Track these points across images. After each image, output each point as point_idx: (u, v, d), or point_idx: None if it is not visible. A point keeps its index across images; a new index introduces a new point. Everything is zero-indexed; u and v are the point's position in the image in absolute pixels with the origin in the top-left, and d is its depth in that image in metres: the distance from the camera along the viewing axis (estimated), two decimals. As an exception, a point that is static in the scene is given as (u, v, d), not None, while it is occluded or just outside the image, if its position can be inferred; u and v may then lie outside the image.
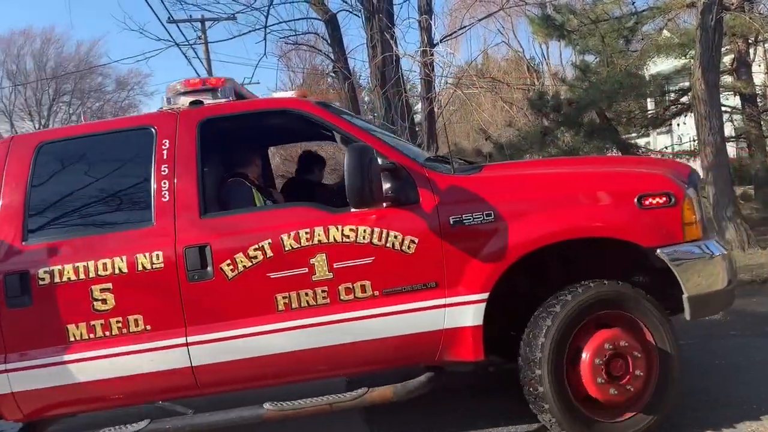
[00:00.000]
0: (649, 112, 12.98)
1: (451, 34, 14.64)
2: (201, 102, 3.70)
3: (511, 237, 3.25)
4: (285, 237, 3.29)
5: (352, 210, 3.27)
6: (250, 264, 3.29)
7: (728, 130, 11.62)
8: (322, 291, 3.28)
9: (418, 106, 15.41)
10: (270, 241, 3.29)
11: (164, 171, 3.44)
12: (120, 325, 3.31)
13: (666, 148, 12.74)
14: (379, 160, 3.31)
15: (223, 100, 3.71)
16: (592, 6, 12.01)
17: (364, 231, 3.28)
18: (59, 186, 3.57)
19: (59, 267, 3.33)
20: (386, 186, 3.28)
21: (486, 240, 3.26)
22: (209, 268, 3.29)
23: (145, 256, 3.32)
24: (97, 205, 3.58)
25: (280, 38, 13.53)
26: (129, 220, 3.48)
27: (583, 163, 4.13)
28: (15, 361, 3.32)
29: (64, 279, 3.32)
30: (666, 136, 15.81)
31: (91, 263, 3.32)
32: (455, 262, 3.27)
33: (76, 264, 3.32)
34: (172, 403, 3.50)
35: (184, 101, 3.72)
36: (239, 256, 3.29)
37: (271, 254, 3.29)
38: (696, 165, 11.15)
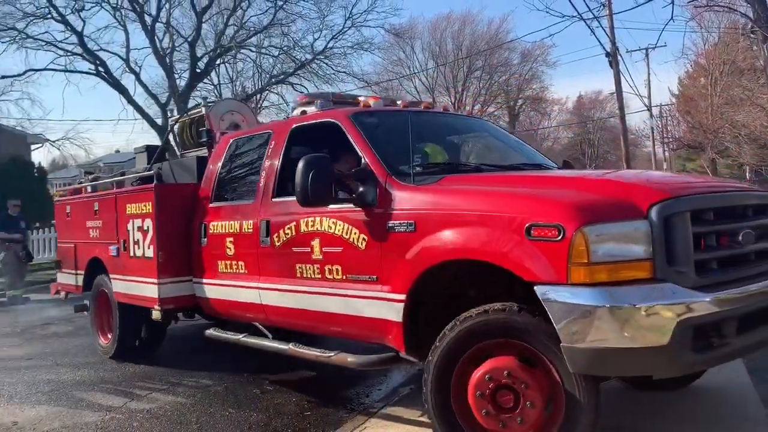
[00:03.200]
0: None
1: None
2: (306, 112, 4.90)
3: (423, 248, 3.46)
4: (302, 221, 4.30)
5: (332, 206, 4.00)
6: (285, 238, 4.45)
7: None
8: (317, 268, 4.19)
9: None
10: (294, 224, 4.36)
11: (266, 164, 4.85)
12: (236, 266, 4.99)
13: None
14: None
15: (313, 110, 4.82)
16: None
17: (340, 225, 4.01)
18: (231, 169, 5.40)
19: (215, 222, 5.20)
20: (359, 189, 3.90)
21: (407, 247, 3.55)
22: (268, 237, 4.60)
23: (245, 222, 4.86)
24: (242, 183, 5.25)
25: (690, 1, 12.01)
26: (248, 197, 5.04)
27: (513, 182, 3.60)
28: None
29: (217, 231, 5.18)
30: None
31: (226, 223, 5.07)
32: (388, 263, 3.68)
33: (222, 222, 5.13)
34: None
35: (299, 111, 4.99)
36: (281, 231, 4.49)
37: (294, 234, 4.37)
38: None
